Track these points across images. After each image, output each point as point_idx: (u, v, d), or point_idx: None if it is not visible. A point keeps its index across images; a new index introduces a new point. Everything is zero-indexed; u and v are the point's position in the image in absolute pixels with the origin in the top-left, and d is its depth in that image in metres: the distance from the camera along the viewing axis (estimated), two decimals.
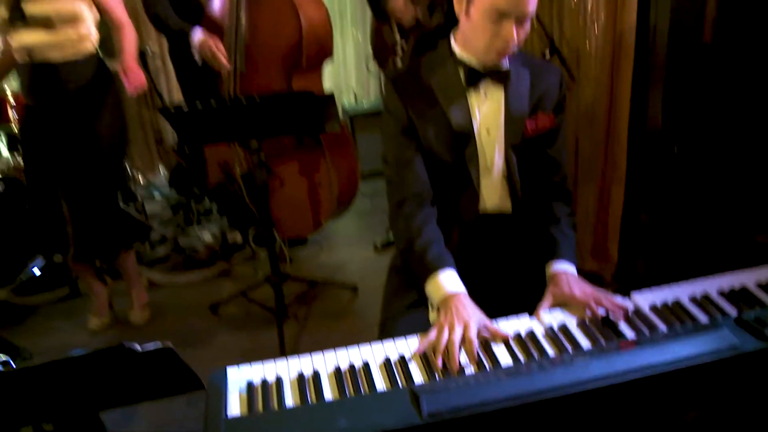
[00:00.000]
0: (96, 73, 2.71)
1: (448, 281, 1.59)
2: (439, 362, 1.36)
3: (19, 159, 3.54)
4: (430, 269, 1.62)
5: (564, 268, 1.65)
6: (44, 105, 2.69)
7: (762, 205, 2.56)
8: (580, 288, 1.56)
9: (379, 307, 1.86)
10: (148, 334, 2.96)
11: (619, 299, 1.52)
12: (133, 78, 2.65)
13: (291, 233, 3.51)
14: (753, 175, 2.56)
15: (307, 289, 3.22)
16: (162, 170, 4.83)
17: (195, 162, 3.74)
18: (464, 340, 1.40)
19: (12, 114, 3.43)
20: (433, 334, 1.44)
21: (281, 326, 2.76)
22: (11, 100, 3.41)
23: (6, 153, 3.73)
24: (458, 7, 1.65)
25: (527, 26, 1.61)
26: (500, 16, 1.55)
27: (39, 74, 2.64)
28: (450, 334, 1.41)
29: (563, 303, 1.56)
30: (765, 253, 1.75)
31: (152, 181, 4.61)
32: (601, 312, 1.49)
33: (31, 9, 2.53)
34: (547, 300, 1.57)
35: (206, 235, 3.73)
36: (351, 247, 3.78)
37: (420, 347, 1.42)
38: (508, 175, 1.77)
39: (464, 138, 1.72)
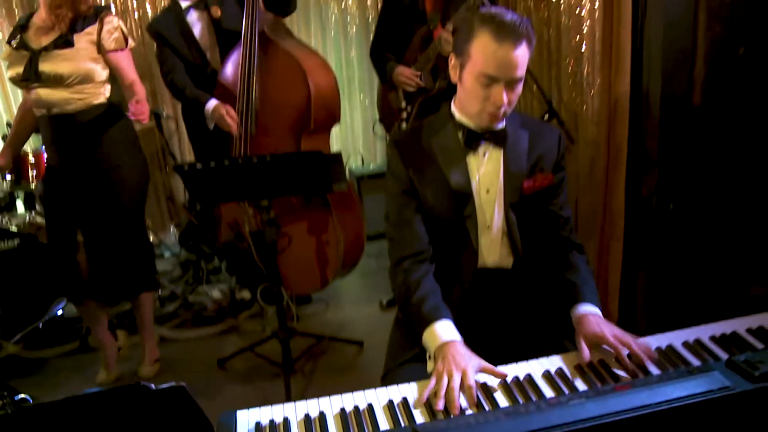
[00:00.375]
0: (109, 115, 2.81)
1: (443, 330, 1.63)
2: (440, 406, 1.40)
3: (35, 216, 3.65)
4: (426, 320, 1.66)
5: (589, 310, 1.68)
6: (64, 154, 2.78)
7: (755, 259, 2.63)
8: (610, 329, 1.58)
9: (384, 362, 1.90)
10: None
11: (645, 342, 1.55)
12: (140, 107, 2.66)
13: (298, 291, 3.56)
14: (747, 230, 2.63)
15: (314, 345, 3.25)
16: (172, 230, 4.93)
17: (206, 219, 3.83)
18: (464, 387, 1.44)
19: (31, 173, 3.55)
20: (432, 382, 1.48)
21: (288, 380, 2.79)
22: (32, 159, 3.53)
23: (22, 209, 3.85)
24: (453, 74, 1.75)
25: (518, 89, 1.69)
26: (490, 81, 1.64)
27: (56, 125, 2.74)
28: (449, 381, 1.44)
29: (596, 344, 1.57)
30: (760, 306, 1.80)
31: (163, 240, 4.70)
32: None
33: (45, 67, 2.64)
34: (583, 344, 1.57)
35: (215, 293, 3.80)
36: (357, 304, 3.83)
37: (423, 396, 1.45)
38: (509, 233, 1.82)
39: (463, 198, 1.78)
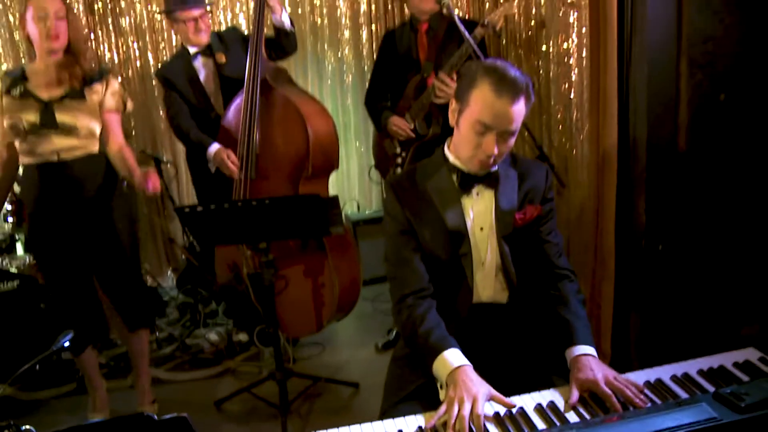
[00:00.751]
0: (99, 162, 2.88)
1: (453, 357, 1.68)
2: None
3: (35, 258, 3.69)
4: (435, 350, 1.71)
5: (584, 351, 1.71)
6: (57, 200, 2.81)
7: (745, 299, 2.68)
8: (603, 373, 1.61)
9: (380, 403, 1.93)
10: None
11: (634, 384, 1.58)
12: (153, 180, 2.78)
13: (294, 333, 3.58)
14: (736, 270, 2.69)
15: (310, 386, 3.26)
16: (169, 273, 4.98)
17: (206, 261, 3.88)
18: (473, 415, 1.49)
19: None
20: (443, 409, 1.53)
21: (285, 421, 2.80)
22: None
23: (21, 251, 3.89)
24: (452, 118, 1.85)
25: (510, 141, 1.78)
26: (484, 129, 1.72)
27: (52, 171, 2.78)
28: (460, 409, 1.50)
29: (589, 388, 1.59)
30: (750, 346, 1.85)
31: (161, 284, 4.73)
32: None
33: (62, 117, 2.73)
34: (574, 388, 1.60)
35: (212, 336, 3.82)
36: (352, 347, 3.84)
37: (431, 422, 1.51)
38: (503, 268, 1.88)
39: (458, 237, 1.86)
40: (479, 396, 1.53)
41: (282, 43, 3.54)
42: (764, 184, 2.66)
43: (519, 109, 1.71)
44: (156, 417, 1.36)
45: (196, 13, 3.47)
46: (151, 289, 3.25)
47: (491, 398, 1.56)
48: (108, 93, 2.85)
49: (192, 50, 3.59)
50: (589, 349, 1.73)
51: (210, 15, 3.64)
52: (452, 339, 1.74)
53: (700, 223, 2.68)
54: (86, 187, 2.84)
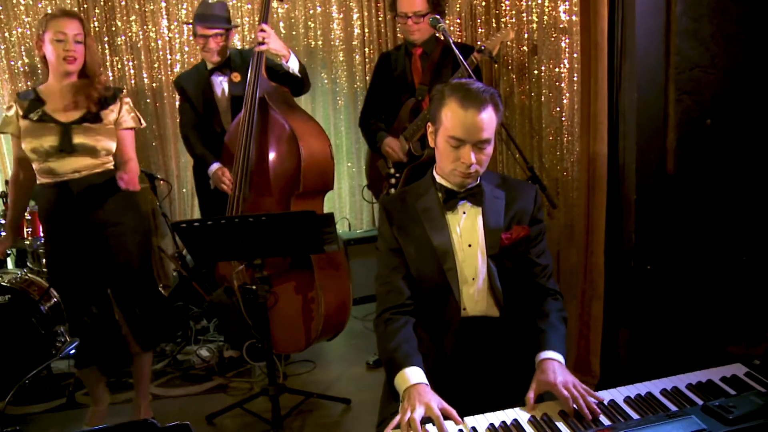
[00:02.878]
0: (113, 179, 2.87)
1: (412, 374, 1.75)
2: None
3: (26, 272, 3.69)
4: (398, 365, 1.79)
5: (550, 356, 1.77)
6: (73, 218, 2.83)
7: (731, 318, 2.74)
8: (563, 378, 1.68)
9: (371, 419, 2.00)
10: None
11: (592, 399, 1.64)
12: (130, 178, 2.82)
13: (281, 349, 3.58)
14: (722, 290, 2.75)
15: (302, 402, 3.27)
16: (162, 291, 4.96)
17: (198, 272, 3.91)
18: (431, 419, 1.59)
19: (26, 230, 3.61)
20: (396, 418, 1.63)
21: None
22: (27, 216, 3.59)
23: (11, 265, 3.89)
24: (430, 140, 1.95)
25: (487, 150, 1.87)
26: (458, 143, 1.82)
27: (68, 190, 2.81)
28: (411, 413, 1.59)
29: (547, 390, 1.68)
30: (737, 362, 1.91)
31: None
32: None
33: (80, 140, 2.77)
34: (532, 388, 1.69)
35: (203, 352, 3.83)
36: (343, 364, 3.85)
37: (387, 429, 1.60)
38: (490, 284, 1.94)
39: (444, 253, 1.93)
40: (432, 403, 1.62)
41: (290, 84, 3.57)
42: (749, 205, 2.74)
43: (487, 117, 1.81)
44: (159, 424, 1.39)
45: (210, 32, 3.55)
46: (164, 311, 3.21)
47: (442, 409, 1.62)
48: (124, 111, 2.91)
49: (210, 65, 3.68)
50: (556, 355, 1.79)
51: (227, 37, 3.64)
52: (417, 357, 1.81)
53: (687, 243, 2.74)
54: (101, 201, 2.87)
